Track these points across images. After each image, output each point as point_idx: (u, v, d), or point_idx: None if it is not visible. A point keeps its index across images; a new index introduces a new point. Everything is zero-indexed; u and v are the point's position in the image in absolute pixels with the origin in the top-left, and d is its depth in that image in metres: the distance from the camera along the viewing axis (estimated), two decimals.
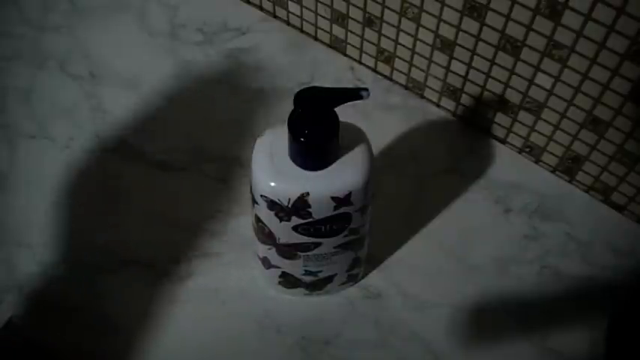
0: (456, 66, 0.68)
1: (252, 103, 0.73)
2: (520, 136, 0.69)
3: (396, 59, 0.72)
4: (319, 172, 0.50)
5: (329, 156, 0.50)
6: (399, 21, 0.68)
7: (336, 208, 0.51)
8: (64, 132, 0.71)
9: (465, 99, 0.70)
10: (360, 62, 0.75)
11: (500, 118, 0.69)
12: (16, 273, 0.64)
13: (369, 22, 0.70)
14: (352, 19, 0.71)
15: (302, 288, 0.61)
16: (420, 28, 0.67)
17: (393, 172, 0.69)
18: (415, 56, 0.70)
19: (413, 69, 0.71)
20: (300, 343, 0.61)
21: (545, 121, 0.66)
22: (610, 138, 0.63)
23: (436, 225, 0.67)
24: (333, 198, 0.51)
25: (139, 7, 0.78)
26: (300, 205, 0.51)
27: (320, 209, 0.51)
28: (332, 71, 0.75)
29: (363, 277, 0.64)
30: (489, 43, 0.63)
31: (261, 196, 0.52)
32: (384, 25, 0.69)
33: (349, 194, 0.51)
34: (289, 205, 0.51)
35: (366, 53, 0.74)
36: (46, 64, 0.75)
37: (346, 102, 0.48)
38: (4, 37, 0.77)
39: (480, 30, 0.63)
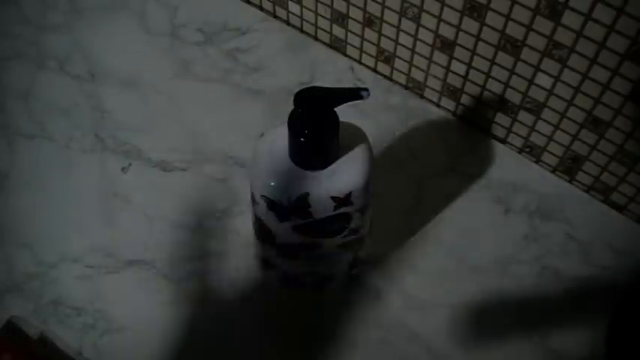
0: (456, 66, 0.68)
1: (252, 103, 0.73)
2: (520, 136, 0.69)
3: (396, 59, 0.72)
4: (319, 172, 0.50)
5: (329, 156, 0.50)
6: (399, 21, 0.68)
7: (336, 208, 0.51)
8: (64, 132, 0.71)
9: (465, 99, 0.70)
10: (360, 62, 0.75)
11: (500, 118, 0.69)
12: (16, 273, 0.64)
13: (369, 22, 0.70)
14: (352, 19, 0.71)
15: (302, 288, 0.61)
16: (420, 28, 0.67)
17: (393, 172, 0.69)
18: (415, 56, 0.70)
19: (413, 69, 0.71)
20: (300, 343, 0.61)
21: (545, 121, 0.66)
22: (610, 138, 0.63)
23: (436, 225, 0.67)
24: (333, 198, 0.51)
25: (139, 7, 0.78)
26: (300, 205, 0.51)
27: (320, 209, 0.51)
28: (332, 71, 0.75)
29: (363, 277, 0.64)
30: (489, 43, 0.63)
31: (261, 196, 0.52)
32: (384, 25, 0.69)
33: (349, 194, 0.51)
34: (289, 205, 0.51)
35: (366, 53, 0.74)
36: (46, 64, 0.75)
37: (346, 102, 0.48)
38: (4, 37, 0.77)
39: (480, 30, 0.63)
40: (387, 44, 0.71)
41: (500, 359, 0.61)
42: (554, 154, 0.68)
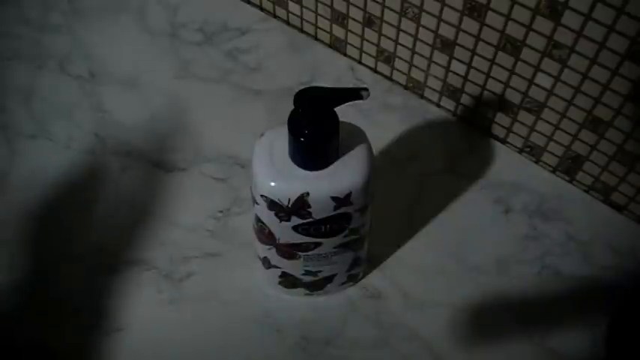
0: (456, 66, 0.68)
1: (252, 103, 0.73)
2: (520, 136, 0.69)
3: (396, 59, 0.72)
4: (319, 172, 0.50)
5: (329, 156, 0.50)
6: (399, 21, 0.68)
7: (336, 208, 0.51)
8: (64, 132, 0.71)
9: (465, 99, 0.70)
10: (360, 62, 0.75)
11: (500, 118, 0.69)
12: (16, 273, 0.64)
13: (369, 22, 0.70)
14: (352, 19, 0.71)
15: (302, 288, 0.61)
16: (420, 28, 0.67)
17: (393, 172, 0.69)
18: (415, 56, 0.70)
19: (413, 69, 0.71)
20: (300, 343, 0.61)
21: (545, 121, 0.66)
22: (610, 138, 0.63)
23: (436, 225, 0.67)
24: (333, 198, 0.51)
25: (139, 7, 0.79)
26: (300, 205, 0.51)
27: (320, 209, 0.51)
28: (332, 71, 0.75)
29: (363, 277, 0.64)
30: (489, 43, 0.63)
31: (261, 196, 0.52)
32: (384, 25, 0.69)
33: (349, 194, 0.51)
34: (289, 205, 0.51)
35: (366, 53, 0.74)
36: (46, 64, 0.75)
37: (346, 102, 0.48)
38: (4, 37, 0.77)
39: (480, 30, 0.63)
40: (387, 44, 0.71)
41: (500, 359, 0.61)
42: (554, 154, 0.68)
